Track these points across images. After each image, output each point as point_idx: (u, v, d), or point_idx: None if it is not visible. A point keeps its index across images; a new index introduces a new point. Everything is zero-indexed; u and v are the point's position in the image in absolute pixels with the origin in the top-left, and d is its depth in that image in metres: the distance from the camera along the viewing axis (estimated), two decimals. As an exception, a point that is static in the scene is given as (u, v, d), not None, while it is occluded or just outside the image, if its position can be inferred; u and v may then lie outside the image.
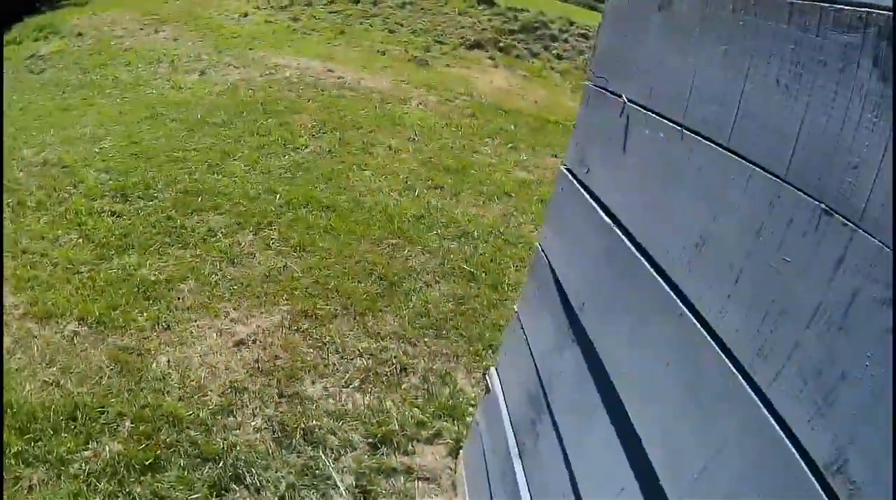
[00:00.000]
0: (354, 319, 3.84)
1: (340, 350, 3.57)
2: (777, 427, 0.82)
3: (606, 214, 1.47)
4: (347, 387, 3.34)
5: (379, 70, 9.79)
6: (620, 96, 1.46)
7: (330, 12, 13.83)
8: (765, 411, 0.85)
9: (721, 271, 0.98)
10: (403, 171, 6.06)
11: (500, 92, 9.81)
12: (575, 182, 1.75)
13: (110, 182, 5.15)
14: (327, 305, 3.91)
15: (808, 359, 0.78)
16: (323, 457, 2.91)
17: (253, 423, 3.04)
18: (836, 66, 0.79)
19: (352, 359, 3.53)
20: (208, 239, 4.48)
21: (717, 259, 1.01)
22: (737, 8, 1.01)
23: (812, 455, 0.76)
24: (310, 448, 2.95)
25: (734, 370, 0.92)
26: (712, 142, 1.05)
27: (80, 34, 10.95)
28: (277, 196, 5.16)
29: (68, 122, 6.71)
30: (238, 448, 2.88)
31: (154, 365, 3.31)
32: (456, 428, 3.12)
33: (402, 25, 13.41)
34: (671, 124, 1.20)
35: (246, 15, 12.94)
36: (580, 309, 1.57)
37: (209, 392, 3.18)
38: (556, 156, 7.29)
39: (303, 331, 3.67)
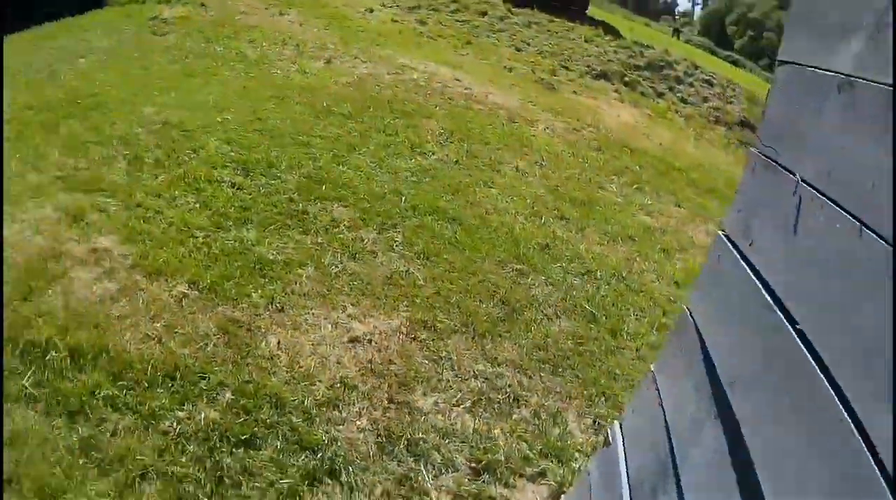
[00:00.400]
0: (473, 339, 3.87)
1: (456, 368, 3.60)
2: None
3: (769, 294, 1.44)
4: (458, 406, 3.36)
5: (506, 87, 9.96)
6: (794, 174, 1.44)
7: (457, 20, 14.25)
8: None
9: (888, 381, 0.98)
10: (530, 195, 6.11)
11: (626, 128, 9.84)
12: (735, 252, 1.71)
13: (232, 154, 5.38)
14: (448, 319, 3.96)
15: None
16: (423, 471, 2.94)
17: (358, 422, 3.10)
18: None
19: (466, 379, 3.55)
20: (331, 229, 4.63)
21: (887, 371, 0.99)
22: None
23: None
24: (412, 460, 2.98)
25: (884, 484, 0.93)
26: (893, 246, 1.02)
27: (203, 4, 11.56)
28: (403, 199, 5.29)
29: (191, 88, 7.07)
30: (339, 444, 2.94)
31: (263, 344, 3.41)
32: (561, 471, 3.11)
33: (528, 44, 13.67)
34: (849, 216, 1.17)
35: (372, 10, 13.45)
36: (729, 386, 1.55)
37: (317, 382, 3.25)
38: (679, 205, 7.25)
39: (420, 341, 3.72)
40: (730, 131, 12.20)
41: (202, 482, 2.61)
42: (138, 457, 2.63)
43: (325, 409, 3.11)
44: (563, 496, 2.92)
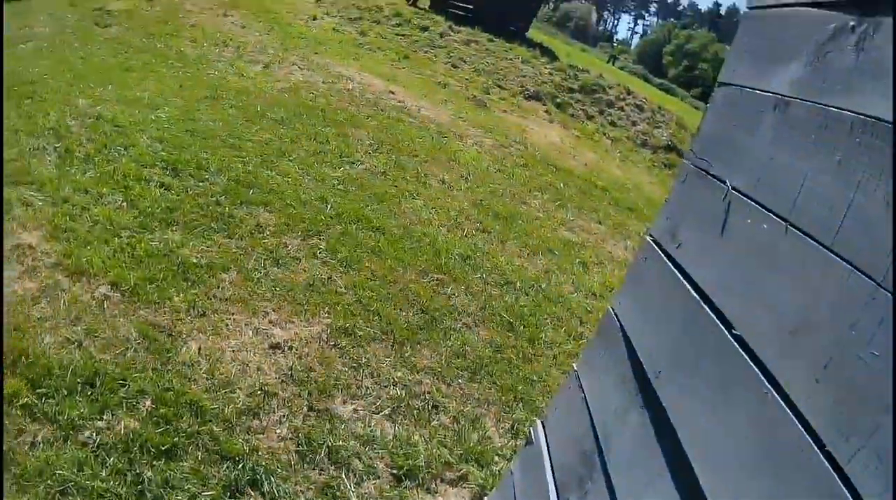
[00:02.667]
0: (392, 346, 3.81)
1: (375, 375, 3.53)
2: (850, 497, 0.93)
3: (695, 290, 1.55)
4: (378, 413, 3.29)
5: (439, 102, 9.94)
6: (724, 182, 1.55)
7: (397, 34, 14.15)
8: (841, 485, 0.95)
9: (813, 357, 1.08)
10: (454, 207, 6.10)
11: (552, 148, 9.96)
12: (661, 254, 1.81)
13: (163, 153, 5.18)
14: (368, 326, 3.88)
15: (886, 441, 0.91)
16: (345, 479, 2.86)
17: (278, 430, 2.99)
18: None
19: (385, 386, 3.49)
20: (255, 234, 4.49)
21: (810, 346, 1.10)
22: (855, 127, 1.13)
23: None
24: (333, 468, 2.90)
25: (815, 448, 1.01)
26: (816, 240, 1.15)
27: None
28: (328, 206, 5.19)
29: (128, 83, 6.79)
30: (259, 453, 2.83)
31: (184, 349, 3.27)
32: (482, 475, 3.09)
33: (464, 62, 13.68)
34: (776, 218, 1.29)
35: (315, 18, 13.25)
36: (655, 376, 1.63)
37: (237, 390, 3.13)
38: (600, 222, 7.39)
39: (340, 348, 3.63)
40: (655, 154, 12.50)
41: (123, 497, 2.44)
42: (58, 472, 2.43)
43: (245, 417, 2.99)
44: (485, 498, 2.91)
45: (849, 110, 1.15)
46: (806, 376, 1.09)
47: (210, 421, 2.90)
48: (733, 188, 1.50)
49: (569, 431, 2.11)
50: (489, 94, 11.97)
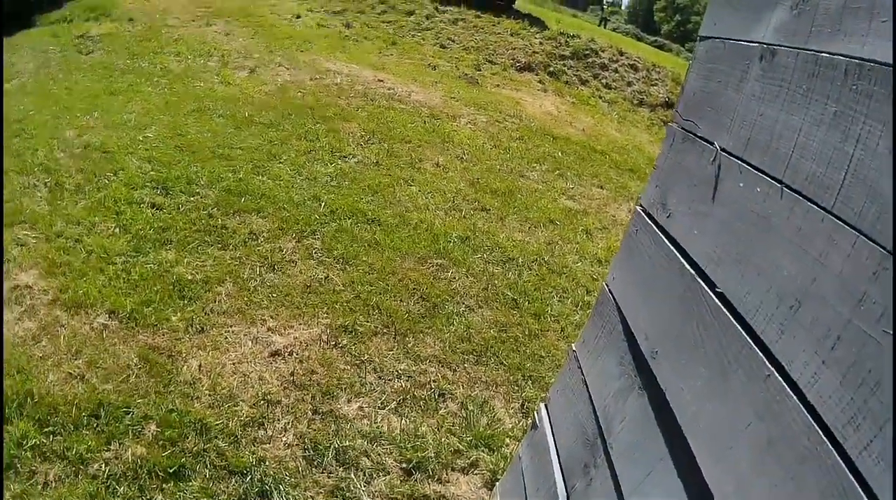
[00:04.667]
0: (395, 338, 3.78)
1: (379, 370, 3.51)
2: (864, 495, 0.85)
3: (688, 263, 1.45)
4: (383, 409, 3.27)
5: (429, 84, 9.83)
6: (712, 143, 1.45)
7: (383, 22, 13.99)
8: (852, 477, 0.87)
9: (816, 335, 0.99)
10: (450, 190, 6.03)
11: (548, 117, 9.81)
12: (652, 225, 1.72)
13: (152, 173, 5.17)
14: (368, 321, 3.86)
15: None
16: (354, 479, 2.85)
17: (284, 438, 2.99)
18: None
19: (389, 380, 3.47)
20: (249, 242, 4.47)
21: (813, 323, 1.01)
22: (850, 74, 1.02)
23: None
24: (341, 469, 2.89)
25: (823, 436, 0.93)
26: (815, 203, 1.05)
27: (131, 19, 11.15)
28: (322, 204, 5.15)
29: (114, 106, 6.78)
30: (267, 463, 2.83)
31: (184, 368, 3.27)
32: (493, 459, 3.07)
33: (453, 41, 13.50)
34: (770, 180, 1.19)
35: (299, 16, 13.13)
36: (651, 356, 1.55)
37: (240, 402, 3.13)
38: (601, 187, 7.28)
39: (341, 347, 3.61)
40: (653, 113, 12.27)
41: None
42: None
43: (250, 429, 2.99)
44: (497, 484, 2.86)
45: (841, 55, 1.05)
46: (810, 356, 1.00)
47: (215, 437, 2.90)
48: (722, 150, 1.40)
49: (571, 414, 2.07)
50: (480, 70, 11.81)
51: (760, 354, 1.11)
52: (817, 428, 0.95)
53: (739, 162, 1.32)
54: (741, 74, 1.40)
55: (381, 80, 9.12)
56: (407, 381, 3.48)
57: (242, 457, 2.83)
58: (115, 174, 5.11)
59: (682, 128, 1.67)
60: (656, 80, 13.68)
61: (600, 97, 12.23)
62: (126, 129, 6.10)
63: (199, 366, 3.29)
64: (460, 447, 3.11)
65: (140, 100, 7.09)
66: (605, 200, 6.87)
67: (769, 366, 1.08)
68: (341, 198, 5.32)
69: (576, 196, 6.76)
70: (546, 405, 2.34)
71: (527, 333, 4.12)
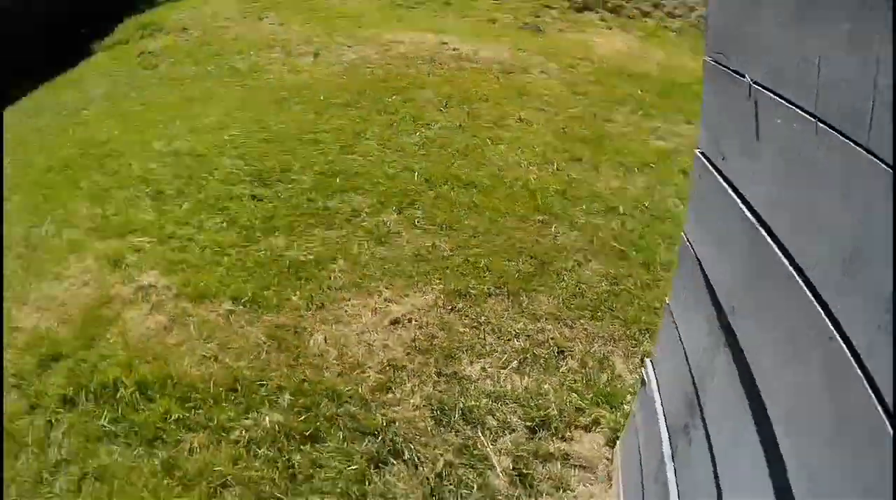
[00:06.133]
0: (508, 299, 3.97)
1: (497, 331, 3.71)
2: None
3: (749, 210, 1.36)
4: (505, 368, 3.47)
5: (493, 40, 9.86)
6: (744, 76, 1.37)
7: (430, -17, 13.99)
8: None
9: (872, 295, 0.87)
10: (539, 143, 6.13)
11: (620, 55, 9.66)
12: (712, 169, 1.66)
13: (246, 167, 5.51)
14: (480, 284, 4.06)
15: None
16: (481, 437, 3.06)
17: (412, 400, 3.24)
18: None
19: (508, 340, 3.66)
20: (353, 219, 4.75)
21: (866, 281, 0.89)
22: None
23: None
24: (468, 428, 3.11)
25: (884, 417, 0.82)
26: (850, 139, 0.93)
27: (184, 28, 11.58)
28: (416, 174, 5.38)
29: (193, 112, 7.18)
30: (397, 424, 3.09)
31: (311, 342, 3.57)
32: (614, 417, 3.20)
33: (506, -10, 13.39)
34: (804, 114, 1.08)
35: (346, -6, 13.31)
36: (731, 312, 1.49)
37: (367, 369, 3.40)
38: (689, 122, 7.14)
39: (458, 311, 3.83)
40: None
41: (276, 481, 2.81)
42: (216, 468, 2.84)
43: (378, 393, 3.26)
44: (618, 441, 2.99)
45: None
46: (866, 320, 0.88)
47: (347, 402, 3.19)
48: (754, 83, 1.31)
49: (672, 371, 2.06)
50: (540, 17, 11.73)
51: (823, 314, 1.01)
52: (879, 409, 0.83)
53: (772, 95, 1.23)
54: None
55: (445, 43, 9.23)
56: (526, 340, 3.66)
57: (374, 419, 3.10)
58: (211, 174, 5.46)
59: (714, 61, 1.63)
60: (717, -1, 13.18)
61: (666, 27, 11.94)
62: (210, 131, 6.46)
63: (325, 339, 3.59)
64: (582, 404, 3.27)
65: (216, 102, 7.47)
66: (695, 136, 6.79)
67: (831, 328, 0.98)
68: (433, 165, 5.52)
69: (665, 135, 6.72)
70: (652, 362, 2.38)
71: (638, 284, 4.21)
